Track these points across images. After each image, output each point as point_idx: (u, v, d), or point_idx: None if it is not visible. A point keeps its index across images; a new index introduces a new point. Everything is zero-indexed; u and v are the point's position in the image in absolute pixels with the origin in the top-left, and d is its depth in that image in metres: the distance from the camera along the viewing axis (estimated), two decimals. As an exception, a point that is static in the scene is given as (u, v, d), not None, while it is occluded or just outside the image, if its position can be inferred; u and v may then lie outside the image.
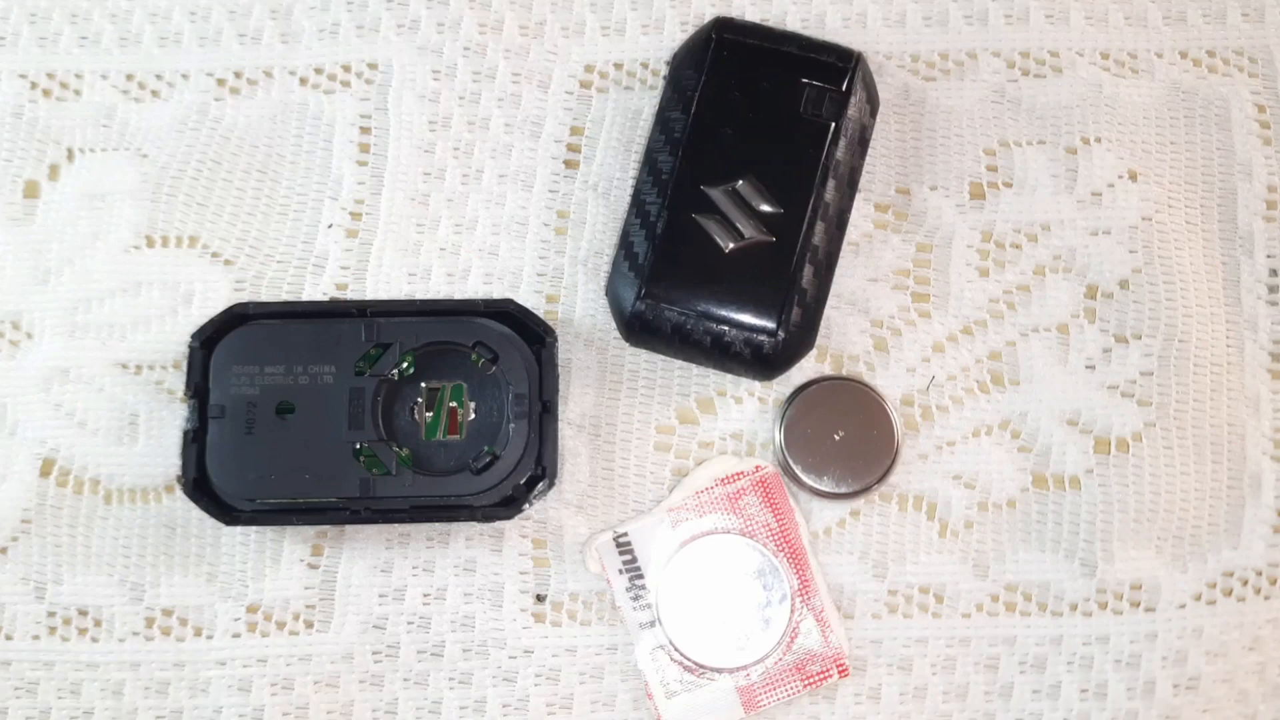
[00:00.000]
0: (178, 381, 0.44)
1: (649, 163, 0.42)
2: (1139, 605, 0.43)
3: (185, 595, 0.43)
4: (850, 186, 0.43)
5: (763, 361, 0.41)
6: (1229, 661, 0.43)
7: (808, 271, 0.41)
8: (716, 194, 0.41)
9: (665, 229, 0.41)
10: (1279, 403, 0.44)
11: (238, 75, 0.46)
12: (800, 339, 0.42)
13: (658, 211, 0.41)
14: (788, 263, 0.41)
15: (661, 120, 0.43)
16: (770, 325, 0.41)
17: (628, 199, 0.43)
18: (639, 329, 0.42)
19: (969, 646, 0.43)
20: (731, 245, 0.41)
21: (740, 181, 0.41)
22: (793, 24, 0.46)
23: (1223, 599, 0.43)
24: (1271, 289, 0.45)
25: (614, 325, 0.43)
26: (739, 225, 0.41)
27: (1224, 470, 0.44)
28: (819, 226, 0.41)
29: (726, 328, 0.41)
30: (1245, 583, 0.43)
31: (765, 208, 0.41)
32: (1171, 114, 0.45)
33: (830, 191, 0.42)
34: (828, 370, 0.44)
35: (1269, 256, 0.45)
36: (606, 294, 0.43)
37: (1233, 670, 0.43)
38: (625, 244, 0.42)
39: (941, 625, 0.43)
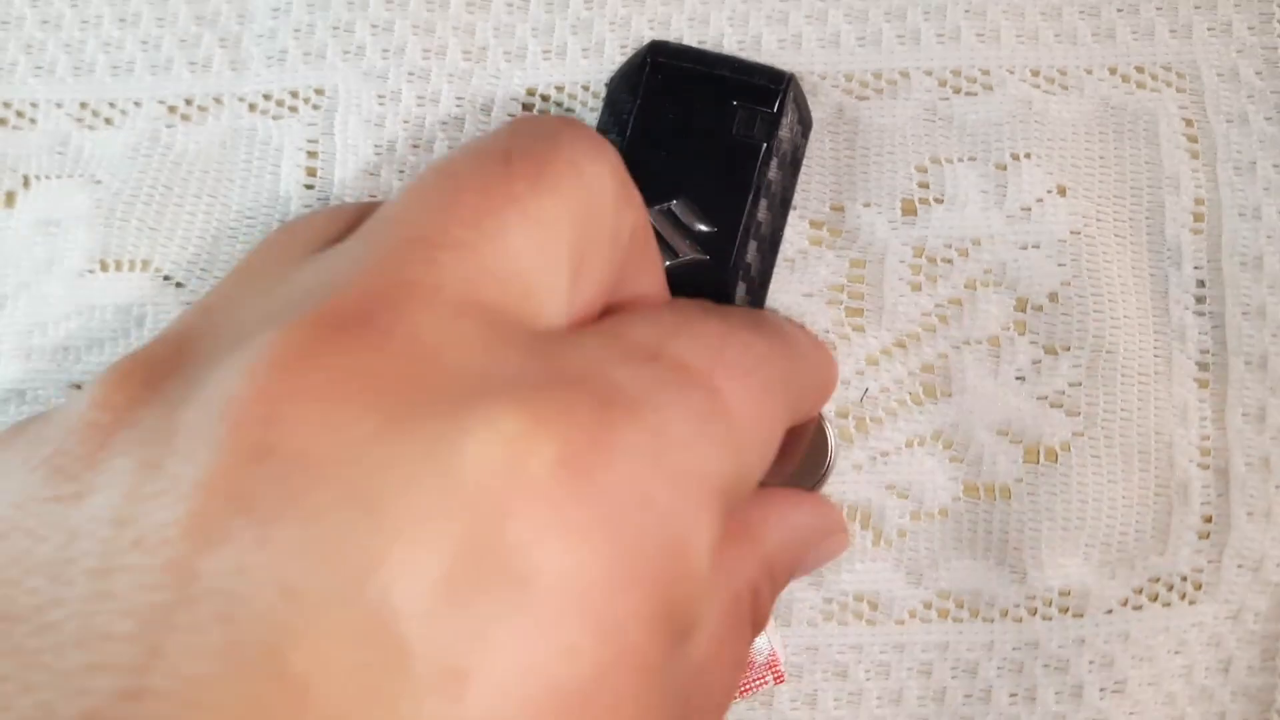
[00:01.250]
0: (131, 403, 0.45)
1: (584, 185, 0.43)
2: (1068, 611, 0.44)
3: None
4: (783, 205, 0.44)
5: (694, 378, 0.42)
6: (1155, 665, 0.44)
7: (741, 289, 0.42)
8: (652, 214, 0.43)
9: (602, 249, 0.42)
10: (1206, 411, 0.45)
11: (189, 102, 0.47)
12: (730, 357, 0.43)
13: (594, 232, 0.42)
14: (721, 281, 0.42)
15: (597, 143, 0.44)
16: None
17: (568, 220, 0.44)
18: (578, 347, 0.43)
19: (903, 653, 0.44)
20: (666, 264, 0.42)
21: (675, 201, 0.43)
22: (729, 46, 0.47)
23: (1149, 604, 0.44)
24: (1199, 299, 0.46)
25: (556, 343, 0.44)
26: (673, 245, 0.42)
27: (1151, 478, 0.45)
28: (751, 245, 0.43)
29: (662, 345, 0.42)
30: (1171, 588, 0.44)
31: (700, 227, 0.42)
32: (1100, 129, 0.47)
33: (763, 210, 0.43)
34: (764, 385, 0.45)
35: (1196, 268, 0.46)
36: (547, 313, 0.44)
37: (1159, 674, 0.44)
38: (564, 264, 0.43)
39: (876, 632, 0.44)
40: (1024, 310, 0.46)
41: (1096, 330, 0.45)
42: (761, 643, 0.43)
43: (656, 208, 0.43)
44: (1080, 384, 0.45)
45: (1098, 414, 0.45)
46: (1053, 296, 0.46)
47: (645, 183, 0.43)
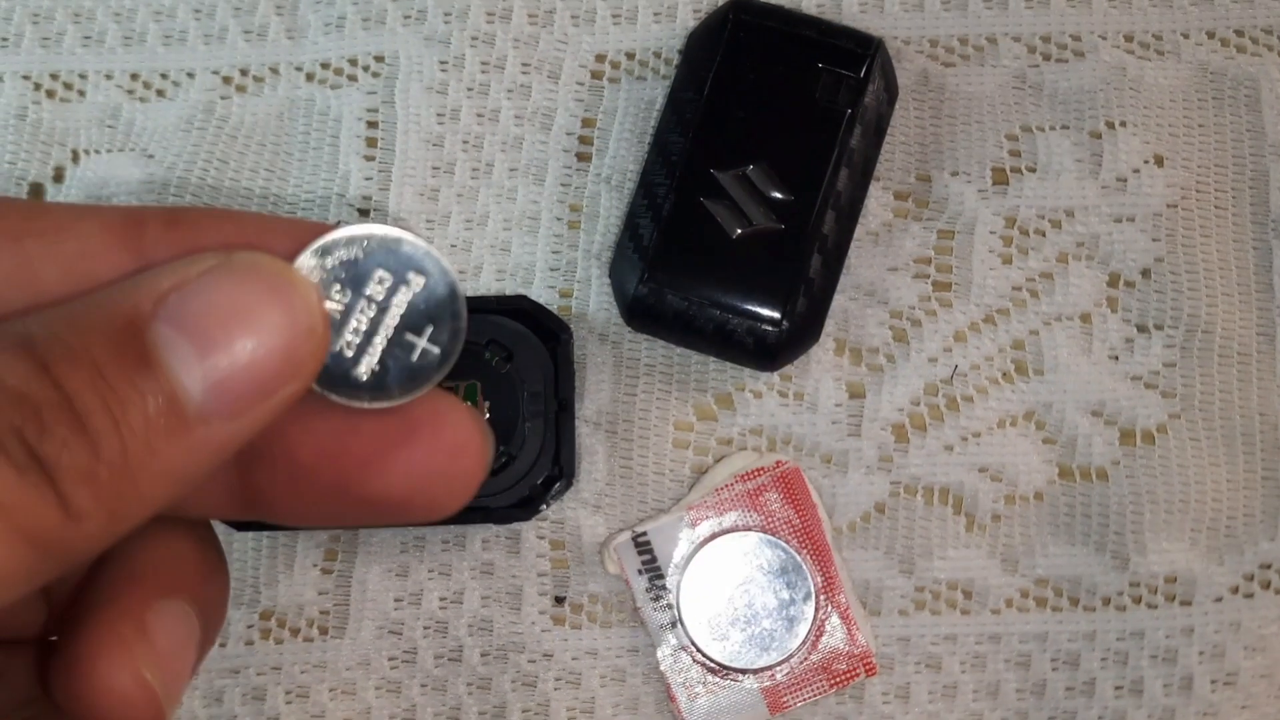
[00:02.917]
0: (186, 384, 0.43)
1: (659, 143, 0.42)
2: (1174, 599, 0.42)
3: (197, 602, 0.43)
4: (864, 176, 0.42)
5: (766, 351, 0.41)
6: (1268, 656, 0.42)
7: (816, 261, 0.41)
8: (726, 178, 0.41)
9: (672, 212, 0.41)
10: (1315, 389, 0.43)
11: (244, 73, 0.46)
12: (806, 330, 0.41)
13: (665, 194, 0.41)
14: (796, 252, 0.41)
15: (674, 101, 0.42)
16: (775, 315, 0.40)
17: (641, 191, 0.43)
18: (641, 313, 0.41)
19: (1000, 643, 0.42)
20: (739, 231, 0.41)
21: (751, 167, 0.41)
22: (809, 7, 0.45)
23: (1260, 591, 0.42)
24: (1305, 272, 0.44)
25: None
26: (747, 211, 0.41)
27: (1257, 461, 0.43)
28: (829, 216, 0.41)
29: (730, 315, 0.41)
30: (1283, 574, 0.42)
31: (775, 195, 0.41)
32: (1199, 96, 0.45)
33: (843, 180, 0.41)
34: (846, 363, 0.43)
35: (1303, 239, 0.44)
36: (610, 276, 0.42)
37: (1272, 665, 0.42)
38: (631, 226, 0.42)
39: (971, 622, 0.42)
40: (1117, 286, 0.44)
41: (1191, 309, 0.43)
42: (853, 634, 0.41)
43: (731, 172, 0.41)
44: (1174, 364, 0.43)
45: (1194, 395, 0.43)
46: (1145, 272, 0.44)
47: (722, 145, 0.41)
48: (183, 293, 0.24)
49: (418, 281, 0.26)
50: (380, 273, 0.26)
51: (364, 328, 0.26)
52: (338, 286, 0.26)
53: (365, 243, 0.26)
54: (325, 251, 0.26)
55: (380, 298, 0.26)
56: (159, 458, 0.23)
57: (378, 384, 0.26)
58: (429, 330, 0.26)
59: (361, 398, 0.26)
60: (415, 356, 0.26)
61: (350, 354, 0.26)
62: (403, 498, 0.27)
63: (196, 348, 0.23)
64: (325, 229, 0.26)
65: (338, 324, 0.26)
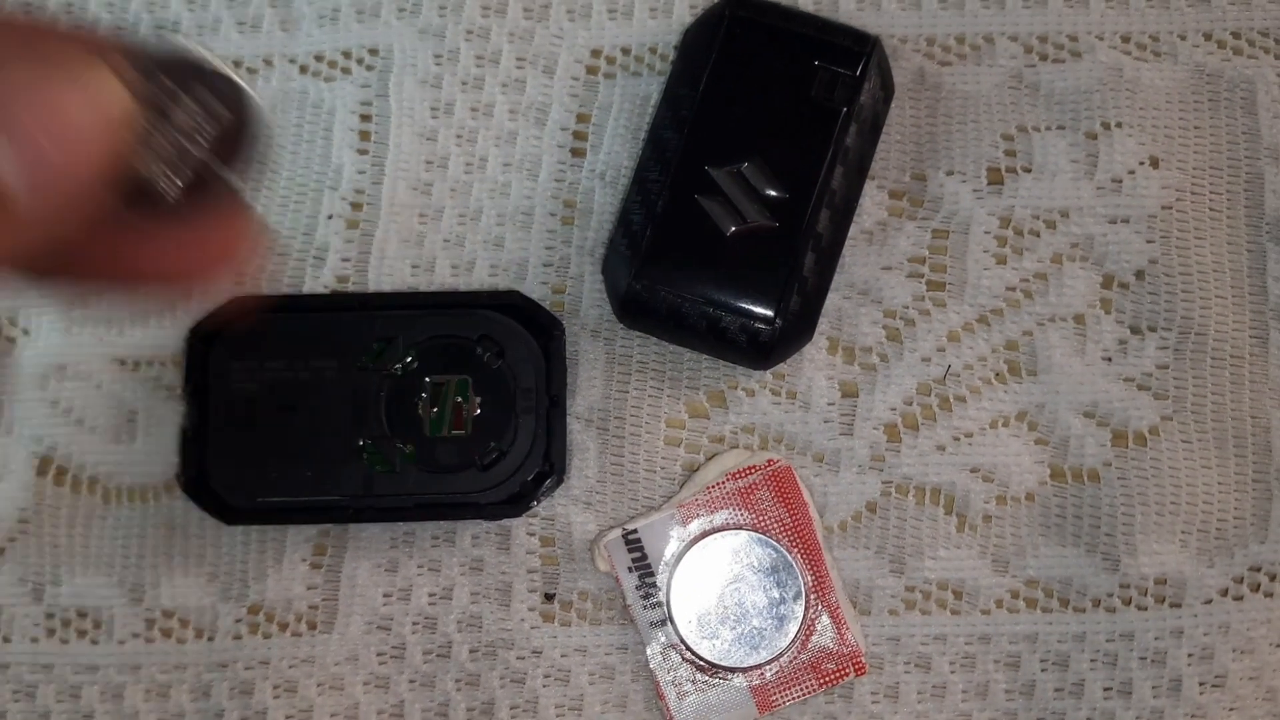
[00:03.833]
0: (176, 377, 0.44)
1: (654, 139, 0.42)
2: (1164, 601, 0.43)
3: (186, 596, 0.43)
4: (860, 174, 0.42)
5: (759, 349, 0.41)
6: (1256, 658, 0.42)
7: (810, 259, 0.41)
8: (721, 175, 0.41)
9: (665, 208, 0.41)
10: (1307, 392, 0.44)
11: (237, 64, 0.46)
12: (799, 328, 0.41)
13: (659, 190, 0.41)
14: (790, 249, 0.41)
15: (669, 96, 0.42)
16: (768, 313, 0.40)
17: (636, 187, 0.43)
18: (634, 309, 0.42)
19: (989, 644, 0.43)
20: (733, 229, 0.41)
21: (746, 164, 0.41)
22: (806, 4, 0.45)
23: (1250, 594, 0.43)
24: (1299, 276, 0.44)
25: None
26: (741, 208, 0.41)
27: (1249, 464, 0.43)
28: (824, 214, 0.41)
29: (723, 313, 0.41)
30: (1273, 578, 0.43)
31: (770, 192, 0.41)
32: (1195, 98, 0.45)
33: (838, 178, 0.41)
34: (839, 362, 0.43)
35: (1297, 242, 0.44)
36: (603, 272, 0.42)
37: (1260, 667, 0.42)
38: (624, 221, 0.42)
39: (961, 622, 0.43)
40: (1110, 287, 0.44)
41: (1185, 311, 0.44)
42: (843, 633, 0.42)
43: (726, 169, 0.41)
44: (1168, 366, 0.44)
45: (1187, 397, 0.44)
46: (1139, 274, 0.44)
47: (717, 142, 0.42)
48: None
49: (221, 108, 0.27)
50: (186, 98, 0.26)
51: (168, 147, 0.26)
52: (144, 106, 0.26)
53: (173, 68, 0.26)
54: (136, 68, 0.25)
55: (186, 122, 0.26)
56: None
57: (175, 204, 0.26)
58: (232, 156, 0.27)
59: (159, 217, 0.26)
60: (217, 181, 0.27)
61: (153, 175, 0.26)
62: (158, 269, 0.27)
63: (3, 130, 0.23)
64: (133, 46, 0.26)
65: (142, 140, 0.26)
